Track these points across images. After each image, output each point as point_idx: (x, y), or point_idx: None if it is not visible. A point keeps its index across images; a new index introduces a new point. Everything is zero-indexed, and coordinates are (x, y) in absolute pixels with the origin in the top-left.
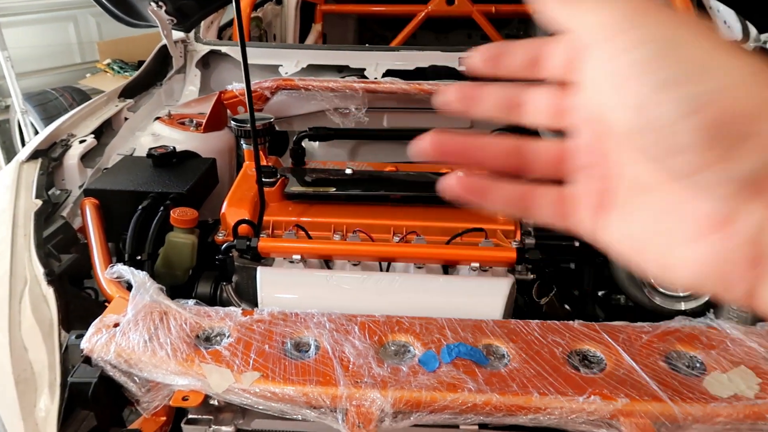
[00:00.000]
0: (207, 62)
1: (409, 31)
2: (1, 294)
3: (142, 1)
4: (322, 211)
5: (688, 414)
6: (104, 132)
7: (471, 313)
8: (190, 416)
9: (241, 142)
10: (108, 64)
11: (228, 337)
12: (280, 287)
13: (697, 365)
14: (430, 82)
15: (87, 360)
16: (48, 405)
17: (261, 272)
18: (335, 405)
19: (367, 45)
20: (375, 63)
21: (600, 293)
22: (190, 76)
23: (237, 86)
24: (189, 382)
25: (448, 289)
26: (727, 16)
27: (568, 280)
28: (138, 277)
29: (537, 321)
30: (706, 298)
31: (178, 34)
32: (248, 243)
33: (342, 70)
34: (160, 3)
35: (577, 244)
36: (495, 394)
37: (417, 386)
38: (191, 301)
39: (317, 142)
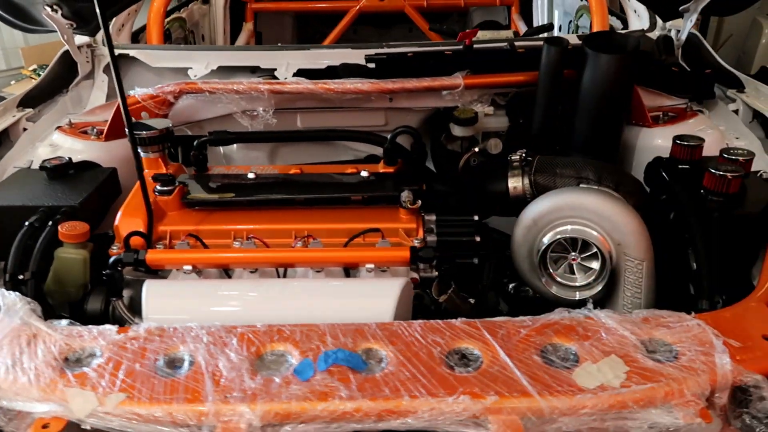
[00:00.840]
0: (122, 66)
1: (342, 28)
2: None
3: (36, 4)
4: (223, 218)
5: (554, 408)
6: (0, 144)
7: (361, 317)
8: None
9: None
10: (34, 70)
11: (99, 357)
12: (166, 300)
13: (571, 357)
14: (338, 81)
15: None
16: None
17: (147, 285)
18: (201, 423)
19: (279, 44)
20: (286, 63)
21: (511, 286)
22: (97, 81)
23: (140, 91)
24: (50, 408)
25: (339, 292)
26: (637, 6)
27: (472, 275)
28: (8, 299)
29: (420, 321)
30: (600, 287)
31: (83, 39)
32: (136, 256)
33: (255, 71)
34: (55, 6)
35: (478, 239)
36: (366, 400)
37: (287, 397)
38: (65, 321)
39: (235, 147)
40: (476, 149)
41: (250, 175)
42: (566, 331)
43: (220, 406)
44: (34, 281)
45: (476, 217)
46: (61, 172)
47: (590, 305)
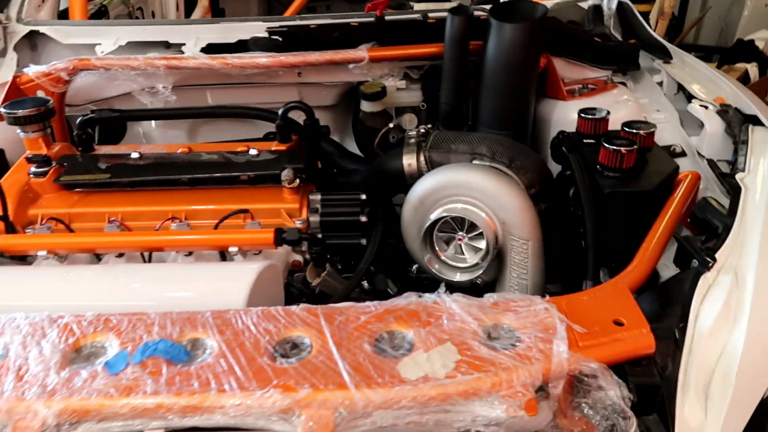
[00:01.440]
0: (35, 44)
1: (302, 1)
2: None
3: None
4: (99, 200)
5: (369, 401)
6: None
7: (211, 304)
8: None
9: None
10: None
11: None
12: (7, 293)
13: (405, 345)
14: (237, 55)
15: None
16: None
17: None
18: None
19: (191, 19)
20: (195, 37)
21: (414, 267)
22: (7, 59)
23: (33, 69)
24: None
25: (189, 277)
26: None
27: (356, 256)
28: None
29: (259, 309)
30: (483, 269)
31: None
32: None
33: (169, 47)
34: None
35: (363, 219)
36: (170, 395)
37: (88, 393)
38: None
39: (153, 125)
40: (391, 125)
41: (134, 155)
42: (408, 317)
43: (13, 404)
44: None
45: (363, 196)
46: None
47: (442, 288)
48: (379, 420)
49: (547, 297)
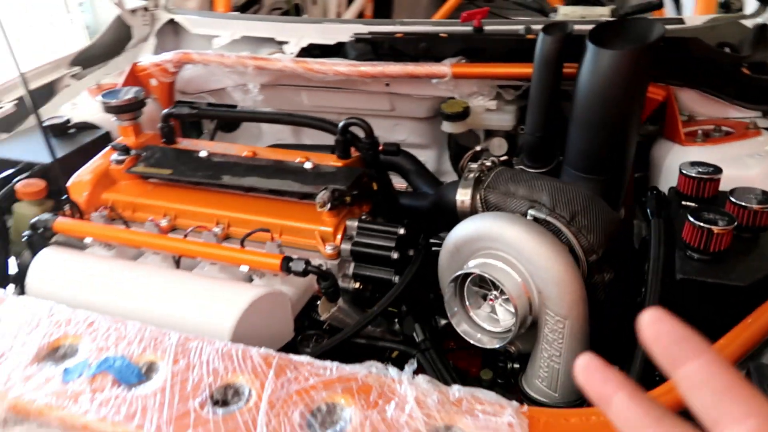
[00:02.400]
0: (175, 31)
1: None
2: None
3: None
4: (160, 193)
5: None
6: (41, 99)
7: (198, 325)
8: None
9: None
10: None
11: None
12: (45, 274)
13: (338, 426)
14: (320, 60)
15: None
16: None
17: (40, 256)
18: None
19: (305, 16)
20: (299, 36)
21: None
22: (148, 44)
23: (147, 59)
24: None
25: (191, 293)
26: None
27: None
28: None
29: (221, 344)
30: (505, 340)
31: (138, 2)
32: (46, 221)
33: (282, 43)
34: None
35: (395, 256)
36: (96, 418)
37: (36, 395)
38: None
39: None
40: (477, 148)
41: (202, 154)
42: (358, 392)
43: None
44: None
45: (402, 230)
46: (60, 130)
47: (411, 363)
48: None
49: (526, 408)
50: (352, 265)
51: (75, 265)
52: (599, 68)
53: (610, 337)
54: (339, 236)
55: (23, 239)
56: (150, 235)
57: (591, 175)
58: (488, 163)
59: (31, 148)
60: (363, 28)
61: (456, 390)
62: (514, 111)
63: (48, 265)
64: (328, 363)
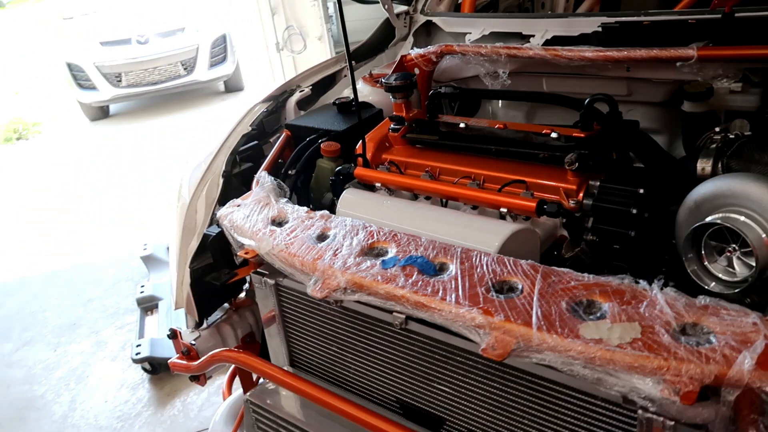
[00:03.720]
0: (429, 31)
1: None
2: (197, 176)
3: None
4: (427, 156)
5: (543, 341)
6: (327, 85)
7: (474, 243)
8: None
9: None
10: None
11: (289, 223)
12: (351, 204)
13: (597, 314)
14: (568, 48)
15: (216, 223)
16: (194, 245)
17: (346, 192)
18: (312, 273)
19: (549, 12)
20: (544, 30)
21: None
22: (407, 42)
23: (414, 51)
24: (251, 243)
25: (465, 224)
26: None
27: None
28: (264, 178)
29: (494, 255)
30: (738, 289)
31: (401, 8)
32: (348, 169)
33: (526, 37)
34: None
35: (634, 211)
36: (411, 291)
37: (366, 274)
38: (284, 201)
39: (500, 104)
40: (717, 129)
41: (462, 125)
42: (612, 294)
43: (327, 268)
44: (295, 177)
45: (641, 191)
46: (345, 107)
47: (659, 280)
48: (548, 359)
49: None
50: (591, 219)
51: (372, 200)
52: None
53: None
54: (581, 194)
55: (330, 182)
56: (431, 182)
57: None
58: (731, 136)
59: (326, 120)
60: (609, 20)
61: (702, 299)
62: (759, 92)
63: (353, 199)
64: (584, 274)
